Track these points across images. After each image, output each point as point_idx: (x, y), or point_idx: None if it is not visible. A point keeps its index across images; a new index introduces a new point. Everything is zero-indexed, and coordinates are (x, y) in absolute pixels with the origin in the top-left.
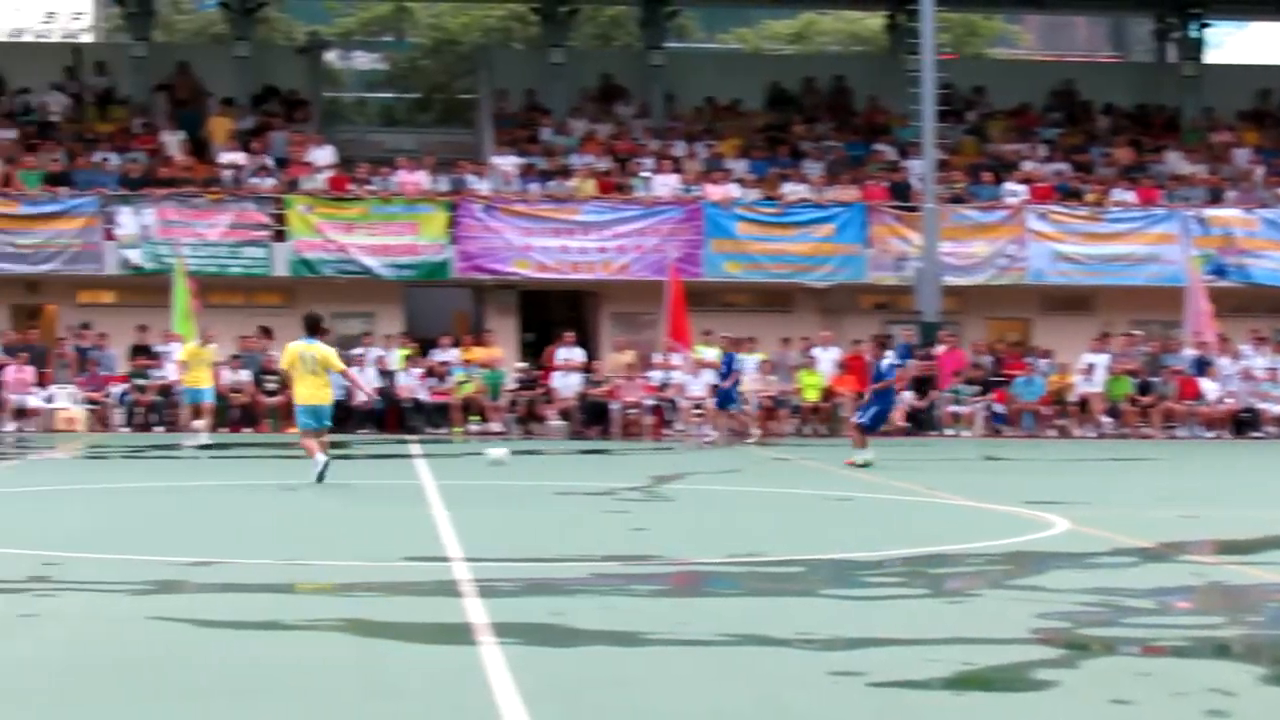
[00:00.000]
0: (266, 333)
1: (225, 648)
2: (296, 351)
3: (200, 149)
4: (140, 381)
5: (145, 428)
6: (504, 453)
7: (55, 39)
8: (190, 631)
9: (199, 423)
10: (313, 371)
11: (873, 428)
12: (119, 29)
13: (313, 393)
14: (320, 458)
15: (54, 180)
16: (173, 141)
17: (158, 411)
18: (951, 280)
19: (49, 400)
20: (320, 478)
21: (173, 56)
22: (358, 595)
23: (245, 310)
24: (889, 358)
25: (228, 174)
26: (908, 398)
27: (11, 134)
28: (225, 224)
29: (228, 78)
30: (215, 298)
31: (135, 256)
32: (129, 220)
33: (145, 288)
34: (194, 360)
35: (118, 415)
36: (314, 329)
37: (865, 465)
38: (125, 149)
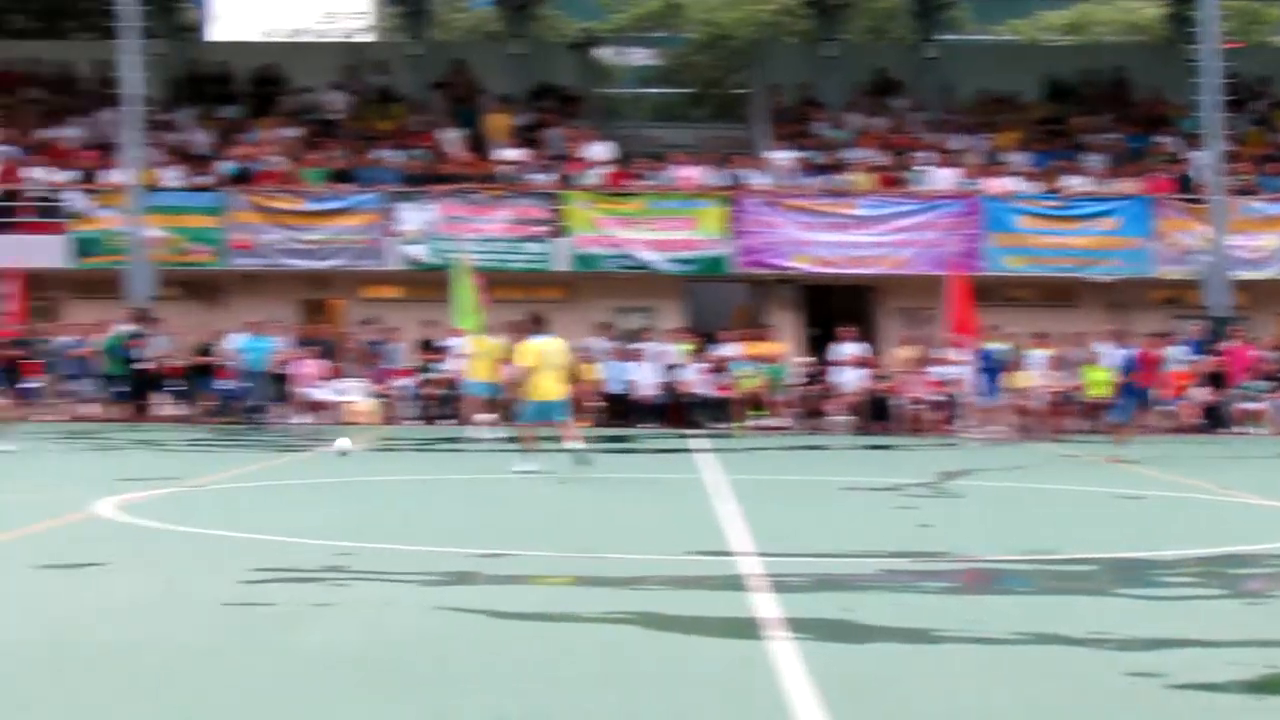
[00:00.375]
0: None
1: (516, 639)
2: (540, 349)
3: (478, 145)
4: (426, 375)
5: (433, 420)
6: (347, 444)
7: (335, 39)
8: (482, 622)
9: (486, 416)
10: (554, 366)
11: (1126, 421)
12: (397, 28)
13: (552, 387)
14: (532, 461)
15: (337, 177)
16: (451, 138)
17: (445, 405)
18: (1241, 274)
19: (339, 393)
20: (525, 474)
21: (449, 54)
22: (646, 588)
23: (525, 305)
24: (1133, 351)
25: (506, 170)
26: (1199, 394)
27: (295, 132)
28: (505, 219)
29: (503, 75)
30: (496, 293)
31: (418, 252)
32: (412, 216)
33: (429, 283)
34: (479, 353)
35: (406, 408)
36: (542, 325)
37: (1132, 460)
38: (405, 146)
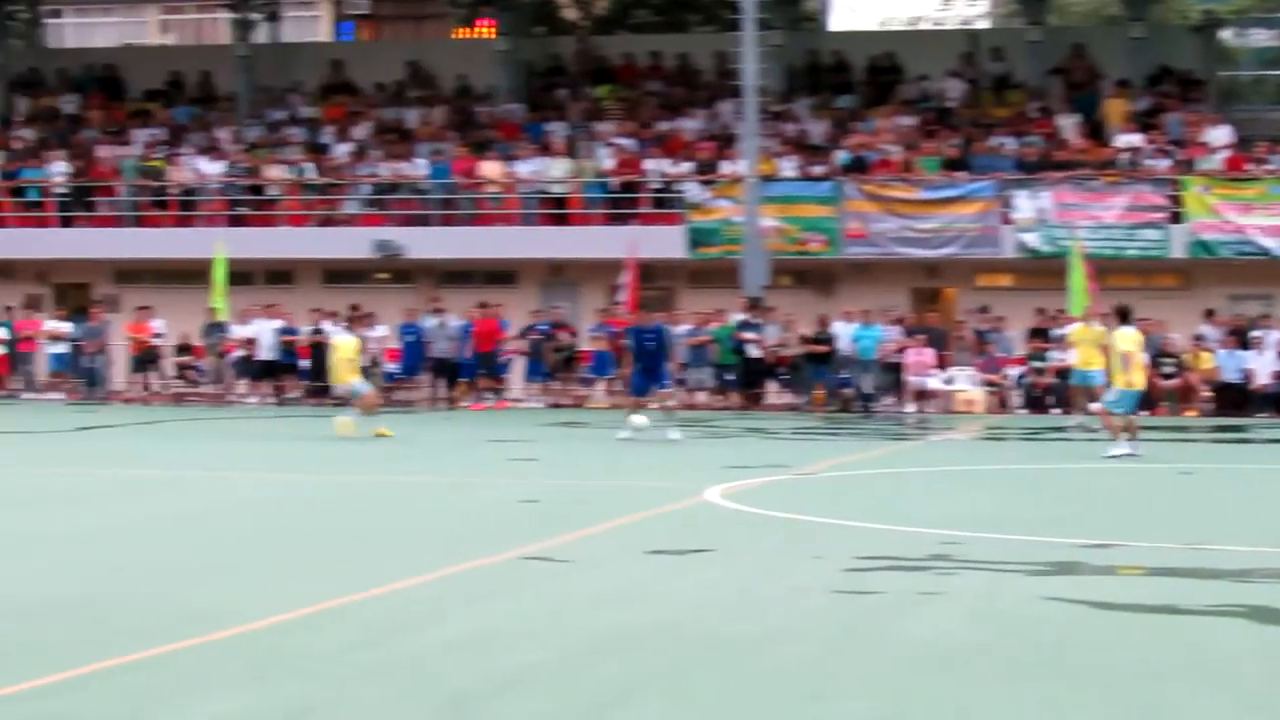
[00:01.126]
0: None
1: (1120, 631)
2: (1133, 337)
3: (1095, 131)
4: (1037, 364)
5: (1042, 409)
6: (644, 420)
7: (952, 26)
8: (1086, 613)
9: (1095, 405)
10: (1141, 355)
11: None
12: (1014, 14)
13: (1143, 379)
14: (1125, 444)
15: (952, 165)
16: (1068, 125)
17: (1054, 394)
18: None
19: (948, 382)
20: (1116, 457)
21: (1067, 39)
22: (1257, 582)
23: (1141, 293)
24: None
25: (1123, 156)
26: None
27: (911, 121)
28: (1121, 206)
29: (1122, 59)
30: (1110, 280)
31: (1032, 240)
32: (1026, 204)
33: (1042, 271)
34: (1083, 341)
35: (1015, 397)
36: (1129, 316)
37: None
38: (1021, 133)
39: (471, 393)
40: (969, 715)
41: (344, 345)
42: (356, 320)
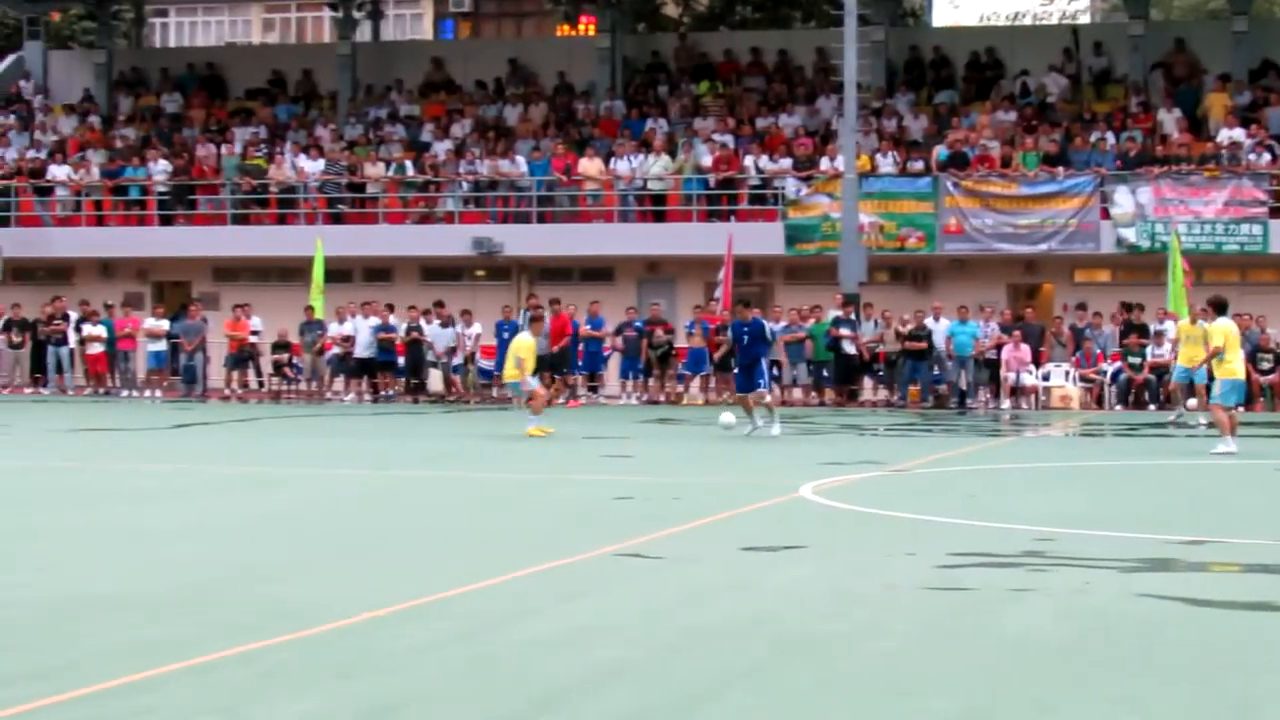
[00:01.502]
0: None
1: (1215, 628)
2: (1228, 329)
3: (1197, 126)
4: (1134, 360)
5: (1139, 406)
6: (732, 418)
7: (1054, 21)
8: (1180, 610)
9: (1192, 401)
10: (1239, 348)
11: None
12: (1116, 9)
13: (1241, 367)
14: (1231, 440)
15: (1051, 161)
16: (1169, 119)
17: (1150, 390)
18: None
19: (1045, 378)
20: (1222, 454)
21: (1169, 34)
22: None
23: (1240, 288)
24: None
25: (1224, 151)
26: None
27: (1011, 116)
28: (1221, 201)
29: (1224, 53)
30: (1210, 275)
31: (1131, 235)
32: (1125, 199)
33: (1140, 266)
34: (1188, 339)
35: (1112, 393)
36: (1224, 308)
37: None
38: (1122, 128)
39: (566, 389)
40: (1059, 712)
41: (519, 344)
42: (535, 321)
